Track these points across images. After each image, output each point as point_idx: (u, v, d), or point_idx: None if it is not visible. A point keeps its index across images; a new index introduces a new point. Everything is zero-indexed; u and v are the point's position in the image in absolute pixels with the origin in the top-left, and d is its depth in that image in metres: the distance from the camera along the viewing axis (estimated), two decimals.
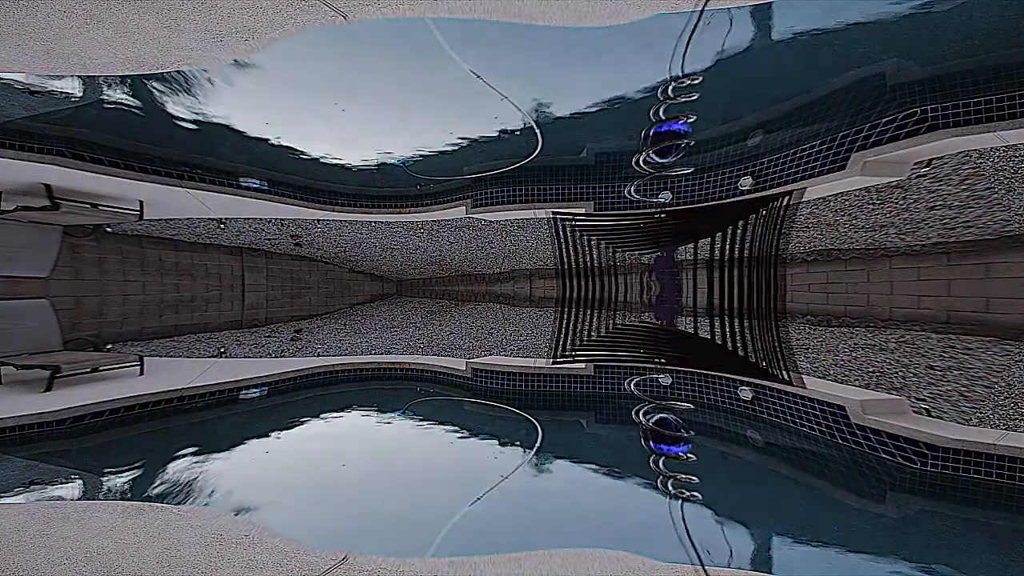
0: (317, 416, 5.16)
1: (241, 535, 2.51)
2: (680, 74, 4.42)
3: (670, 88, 4.64)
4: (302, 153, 5.98)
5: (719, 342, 7.06)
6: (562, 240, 8.21)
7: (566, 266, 8.81)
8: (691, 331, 7.73)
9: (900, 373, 4.57)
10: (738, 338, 6.87)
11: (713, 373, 5.59)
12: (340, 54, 4.38)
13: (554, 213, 7.07)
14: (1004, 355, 4.36)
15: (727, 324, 7.28)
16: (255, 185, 6.20)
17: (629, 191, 6.39)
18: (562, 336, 8.21)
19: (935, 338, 4.97)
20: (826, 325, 6.08)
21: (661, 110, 5.05)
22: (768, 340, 6.48)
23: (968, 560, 2.66)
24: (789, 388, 4.74)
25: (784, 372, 5.28)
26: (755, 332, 6.80)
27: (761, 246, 6.60)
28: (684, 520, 3.03)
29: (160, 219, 6.66)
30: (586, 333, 8.49)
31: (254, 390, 5.47)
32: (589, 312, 8.92)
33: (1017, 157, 4.02)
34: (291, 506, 3.31)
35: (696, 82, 4.51)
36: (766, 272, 6.71)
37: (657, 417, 4.82)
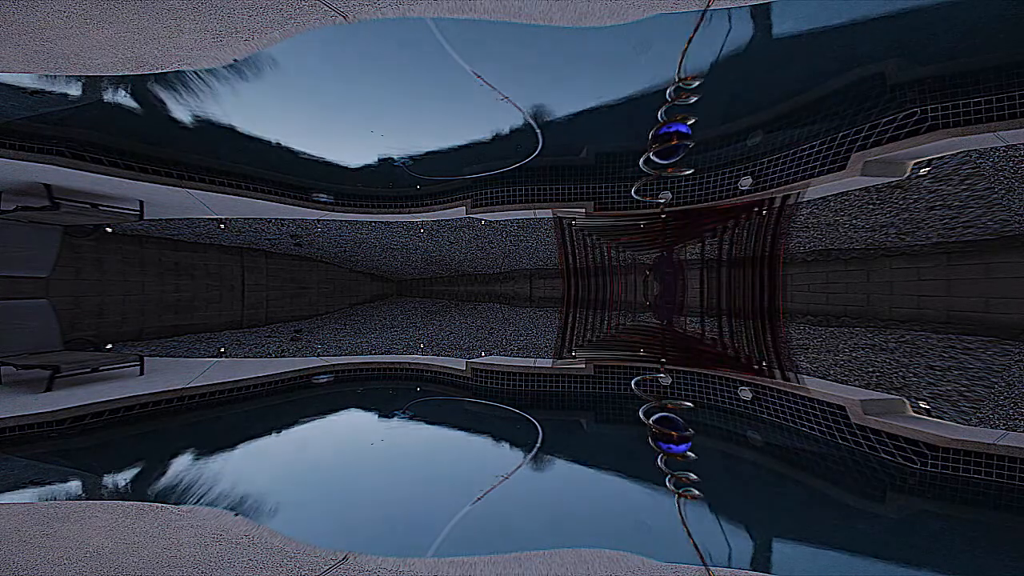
0: (317, 416, 5.16)
1: (241, 535, 2.51)
2: (681, 75, 4.43)
3: (671, 90, 4.65)
4: (301, 152, 5.98)
5: (716, 341, 7.05)
6: (565, 240, 8.22)
7: (569, 266, 8.82)
8: (690, 331, 7.73)
9: (900, 373, 4.56)
10: (737, 337, 6.87)
11: (713, 373, 5.59)
12: (340, 54, 4.38)
13: (555, 213, 7.09)
14: (1004, 355, 4.35)
15: (725, 324, 7.28)
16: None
17: (632, 192, 6.40)
18: (565, 335, 8.21)
19: (935, 338, 4.96)
20: (826, 325, 6.08)
21: (663, 112, 5.06)
22: (766, 339, 6.48)
23: (968, 561, 2.66)
24: (789, 388, 4.74)
25: (782, 372, 5.27)
26: (753, 331, 6.80)
27: (759, 246, 6.59)
28: (685, 520, 3.03)
29: (160, 219, 6.66)
30: (586, 332, 8.48)
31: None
32: (590, 312, 8.92)
33: (1017, 157, 4.02)
34: (291, 506, 3.30)
35: (696, 84, 4.52)
36: (761, 272, 6.71)
37: (658, 416, 4.82)
